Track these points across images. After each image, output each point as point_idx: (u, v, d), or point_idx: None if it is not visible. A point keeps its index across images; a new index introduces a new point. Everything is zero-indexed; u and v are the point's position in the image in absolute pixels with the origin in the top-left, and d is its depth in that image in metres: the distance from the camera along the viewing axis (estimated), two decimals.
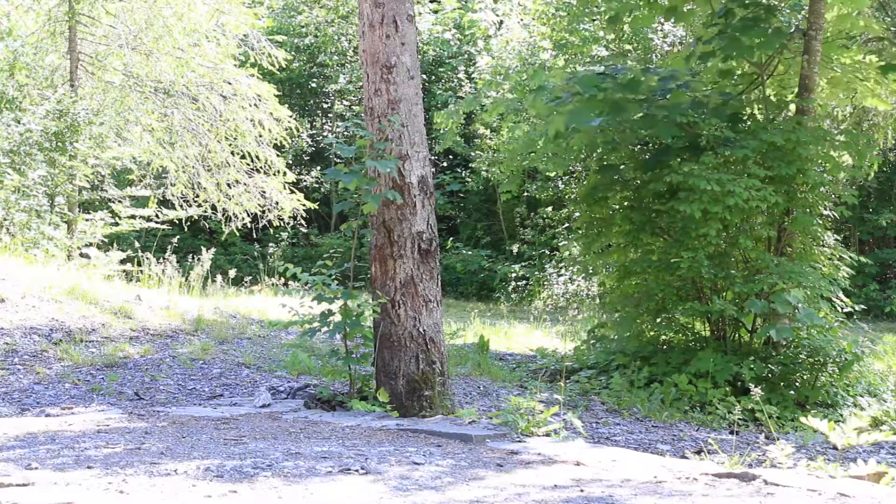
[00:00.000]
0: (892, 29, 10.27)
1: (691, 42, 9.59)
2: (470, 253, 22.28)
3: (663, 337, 9.12)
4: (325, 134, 24.84)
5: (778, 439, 6.22)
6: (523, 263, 21.13)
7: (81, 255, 12.91)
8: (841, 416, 7.63)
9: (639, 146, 9.25)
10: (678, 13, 9.91)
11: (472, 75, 24.45)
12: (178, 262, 12.56)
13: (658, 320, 9.02)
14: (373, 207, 6.36)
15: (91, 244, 13.09)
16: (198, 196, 15.70)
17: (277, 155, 16.07)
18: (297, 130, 16.39)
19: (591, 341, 9.60)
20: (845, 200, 9.28)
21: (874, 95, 10.56)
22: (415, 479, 4.22)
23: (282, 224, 16.93)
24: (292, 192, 16.15)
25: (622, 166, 9.29)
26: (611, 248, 9.77)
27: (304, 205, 16.24)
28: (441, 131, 22.55)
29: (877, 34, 10.23)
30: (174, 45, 14.50)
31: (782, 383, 8.21)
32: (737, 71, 9.51)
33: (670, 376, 8.12)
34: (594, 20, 17.44)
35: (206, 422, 6.01)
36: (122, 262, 12.80)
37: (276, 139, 15.76)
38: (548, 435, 5.72)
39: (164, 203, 15.81)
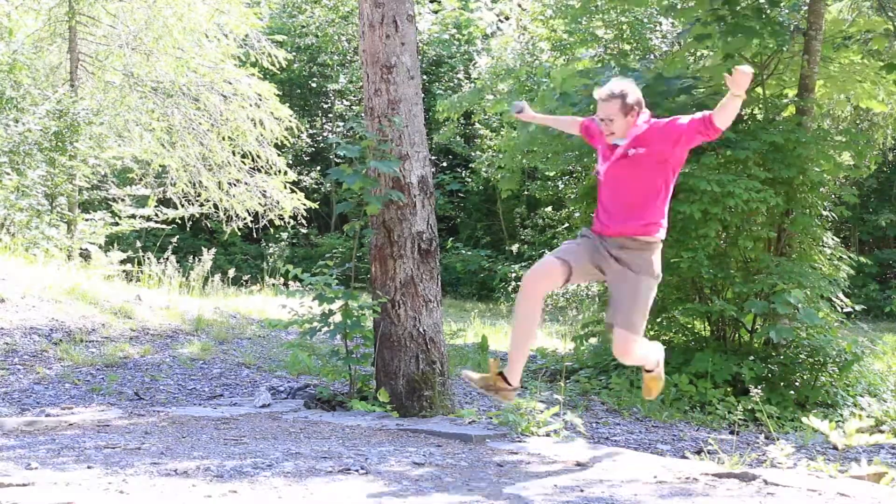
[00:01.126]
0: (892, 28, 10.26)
1: (690, 24, 9.52)
2: (470, 253, 22.28)
3: (663, 337, 9.12)
4: (325, 134, 24.84)
5: (778, 439, 6.22)
6: (523, 263, 21.10)
7: (81, 254, 12.92)
8: (841, 416, 7.64)
9: None
10: (676, 10, 9.91)
11: (472, 75, 24.46)
12: (178, 262, 12.57)
13: (658, 320, 9.02)
14: (375, 209, 6.36)
15: (92, 244, 13.10)
16: (199, 195, 15.71)
17: (278, 154, 16.08)
18: (298, 130, 16.40)
19: (585, 336, 9.58)
20: (845, 200, 9.29)
21: (871, 97, 10.56)
22: (414, 480, 4.22)
23: (282, 224, 16.93)
24: (293, 191, 16.16)
25: None
26: None
27: (304, 204, 16.25)
28: (442, 128, 22.53)
29: (878, 30, 10.23)
30: (174, 45, 14.50)
31: (782, 383, 8.22)
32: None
33: (670, 376, 8.13)
34: (593, 20, 17.43)
35: (206, 422, 6.01)
36: (123, 262, 12.80)
37: (276, 139, 15.76)
38: (548, 435, 5.72)
39: (165, 202, 15.82)
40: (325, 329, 6.61)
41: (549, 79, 9.25)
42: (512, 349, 4.54)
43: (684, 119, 4.48)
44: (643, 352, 4.82)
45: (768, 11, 8.83)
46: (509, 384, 4.50)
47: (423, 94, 6.73)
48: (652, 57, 16.25)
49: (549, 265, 4.53)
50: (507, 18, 24.39)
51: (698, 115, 4.45)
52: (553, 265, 4.53)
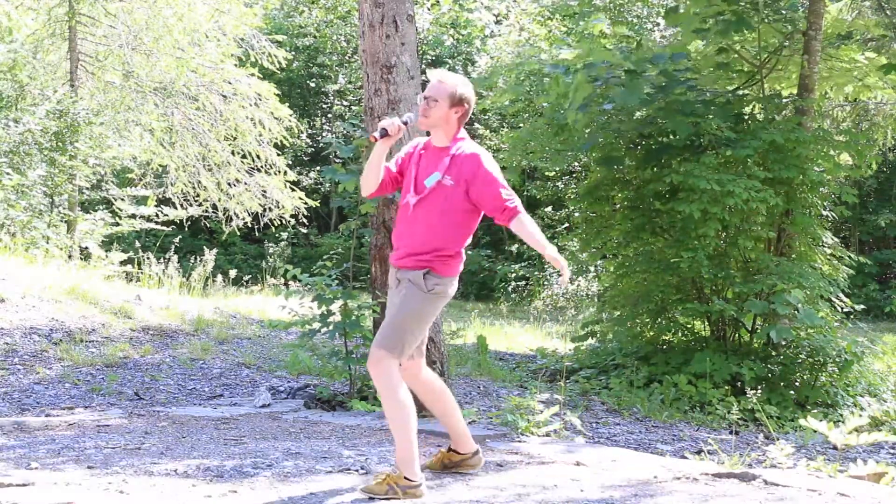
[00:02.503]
0: (893, 27, 10.27)
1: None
2: (470, 253, 22.29)
3: (663, 337, 9.12)
4: (324, 134, 24.83)
5: (778, 439, 6.22)
6: (523, 263, 21.12)
7: (82, 251, 12.92)
8: (841, 416, 7.63)
9: (640, 141, 9.23)
10: (675, 15, 9.90)
11: (471, 75, 24.47)
12: (178, 262, 12.58)
13: (658, 320, 9.02)
14: (371, 208, 6.37)
15: (93, 244, 13.10)
16: (198, 195, 15.71)
17: (278, 154, 16.08)
18: (298, 130, 16.38)
19: (584, 336, 9.57)
20: (845, 200, 9.29)
21: (876, 88, 10.58)
22: None
23: (283, 224, 16.93)
24: (293, 190, 16.15)
25: (625, 159, 9.28)
26: (607, 245, 9.77)
27: (305, 203, 16.24)
28: None
29: (877, 30, 10.24)
30: (174, 45, 14.50)
31: (782, 383, 8.22)
32: (735, 67, 9.49)
33: (670, 376, 8.13)
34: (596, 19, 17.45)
35: (206, 422, 6.01)
36: (123, 262, 12.81)
37: (276, 138, 15.76)
38: (548, 435, 5.72)
39: (165, 202, 15.82)
40: (325, 329, 6.61)
41: (553, 82, 9.13)
42: (443, 425, 4.44)
43: (498, 191, 4.09)
44: (392, 382, 4.00)
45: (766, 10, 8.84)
46: (461, 453, 4.41)
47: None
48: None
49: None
50: (506, 18, 24.41)
51: (510, 201, 4.08)
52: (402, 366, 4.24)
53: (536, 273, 20.08)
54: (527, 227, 4.09)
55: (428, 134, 4.32)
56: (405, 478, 3.91)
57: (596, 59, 8.92)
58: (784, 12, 9.24)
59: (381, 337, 4.05)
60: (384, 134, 4.12)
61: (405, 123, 4.19)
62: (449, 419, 4.35)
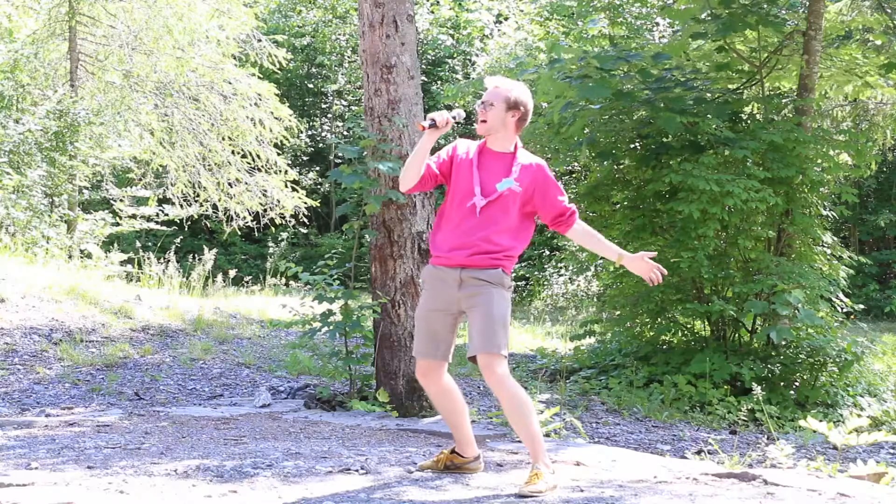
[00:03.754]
0: (892, 26, 10.28)
1: (686, 23, 9.54)
2: None
3: (663, 337, 9.12)
4: (323, 134, 24.81)
5: (778, 439, 6.22)
6: (523, 263, 21.12)
7: (82, 252, 12.92)
8: (841, 416, 7.64)
9: (639, 141, 9.23)
10: (672, 10, 9.91)
11: (471, 76, 24.47)
12: (178, 262, 12.57)
13: (658, 321, 9.02)
14: (374, 208, 6.37)
15: (94, 244, 13.10)
16: (198, 195, 15.70)
17: (278, 154, 16.07)
18: (298, 129, 16.35)
19: (583, 333, 9.57)
20: (845, 200, 9.28)
21: (876, 86, 10.59)
22: (414, 479, 4.22)
23: (283, 223, 16.90)
24: (294, 189, 16.14)
25: (623, 163, 9.26)
26: None
27: (305, 202, 16.22)
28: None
29: (877, 28, 10.26)
30: (174, 45, 14.49)
31: (782, 383, 8.22)
32: (735, 66, 9.49)
33: (670, 376, 8.13)
34: (592, 19, 17.45)
35: (206, 422, 6.01)
36: (123, 262, 12.81)
37: (276, 138, 15.75)
38: (548, 435, 5.71)
39: (165, 202, 15.81)
40: (326, 329, 6.62)
41: (548, 48, 9.10)
42: (451, 428, 4.44)
43: (560, 199, 4.24)
44: (514, 385, 4.09)
45: (765, 7, 8.85)
46: (464, 457, 4.43)
47: (422, 95, 6.75)
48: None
49: (420, 368, 4.31)
50: (506, 19, 24.41)
51: (567, 205, 4.24)
52: (423, 367, 4.29)
53: (536, 273, 20.07)
54: (587, 233, 4.31)
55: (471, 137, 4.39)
56: (545, 464, 4.03)
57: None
58: (783, 12, 9.25)
59: (483, 341, 4.05)
60: (432, 124, 4.19)
61: (454, 119, 4.27)
62: (458, 421, 4.37)
